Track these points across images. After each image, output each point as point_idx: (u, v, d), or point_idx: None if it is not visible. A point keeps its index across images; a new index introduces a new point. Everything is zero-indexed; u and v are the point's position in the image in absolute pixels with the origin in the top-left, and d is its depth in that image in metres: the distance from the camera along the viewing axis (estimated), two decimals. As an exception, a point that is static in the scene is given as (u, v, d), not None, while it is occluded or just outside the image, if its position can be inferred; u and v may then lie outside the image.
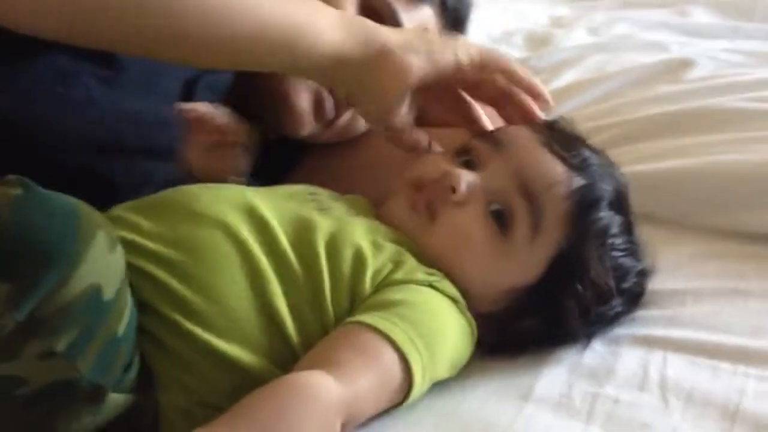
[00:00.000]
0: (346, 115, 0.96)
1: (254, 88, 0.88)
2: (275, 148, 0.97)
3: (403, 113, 0.77)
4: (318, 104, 0.92)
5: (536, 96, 0.81)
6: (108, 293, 0.56)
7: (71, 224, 0.55)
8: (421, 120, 1.04)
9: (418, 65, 0.74)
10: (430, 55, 0.74)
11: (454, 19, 1.00)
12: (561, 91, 1.23)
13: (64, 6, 0.61)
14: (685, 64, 1.22)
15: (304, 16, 0.69)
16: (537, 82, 0.81)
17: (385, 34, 0.74)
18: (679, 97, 1.12)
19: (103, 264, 0.56)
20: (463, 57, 0.76)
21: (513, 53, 1.41)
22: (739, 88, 1.09)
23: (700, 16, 1.56)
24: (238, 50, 0.68)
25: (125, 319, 0.58)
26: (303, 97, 0.91)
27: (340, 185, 0.81)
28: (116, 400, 0.59)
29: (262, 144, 0.93)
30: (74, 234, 0.55)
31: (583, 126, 1.07)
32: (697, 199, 0.95)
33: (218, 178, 0.81)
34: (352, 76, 0.73)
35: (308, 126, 0.93)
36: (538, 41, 1.45)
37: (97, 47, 0.66)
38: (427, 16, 0.96)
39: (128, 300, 0.59)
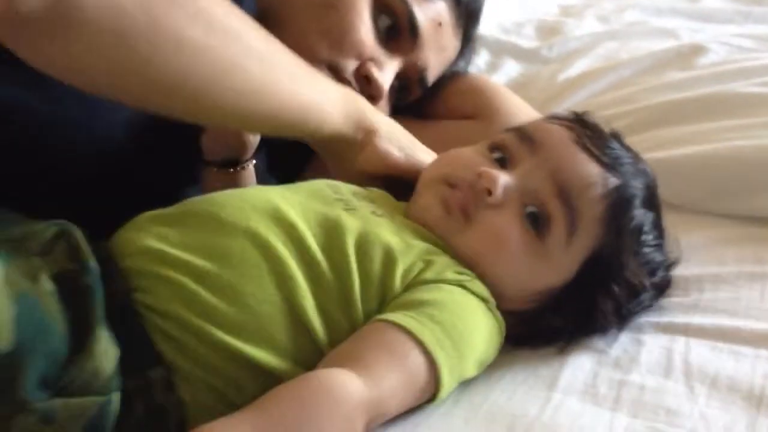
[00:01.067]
0: None
1: None
2: (290, 143, 0.98)
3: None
4: None
5: None
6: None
7: None
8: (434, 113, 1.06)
9: (393, 156, 0.81)
10: (408, 152, 0.81)
11: (467, 12, 1.01)
12: (573, 80, 1.24)
13: (141, 86, 0.63)
14: (697, 50, 1.22)
15: (316, 99, 0.75)
16: None
17: (376, 120, 0.81)
18: (691, 83, 1.12)
19: None
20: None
21: (524, 43, 1.41)
22: (752, 73, 1.09)
23: (710, 1, 1.55)
24: (252, 123, 0.74)
25: (8, 332, 0.55)
26: None
27: (354, 182, 0.82)
28: (68, 404, 0.58)
29: (277, 139, 0.94)
30: None
31: (597, 115, 1.09)
32: (713, 185, 0.96)
33: (230, 156, 0.82)
34: (339, 149, 0.80)
35: None
36: (548, 31, 1.45)
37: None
38: (440, 9, 0.97)
39: (3, 311, 0.56)
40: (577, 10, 1.53)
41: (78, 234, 0.65)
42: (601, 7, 1.53)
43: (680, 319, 0.77)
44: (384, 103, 0.98)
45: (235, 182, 0.82)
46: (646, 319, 0.77)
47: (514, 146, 0.76)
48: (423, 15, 0.94)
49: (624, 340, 0.74)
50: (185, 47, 0.61)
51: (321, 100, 0.75)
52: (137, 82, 0.62)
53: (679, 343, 0.73)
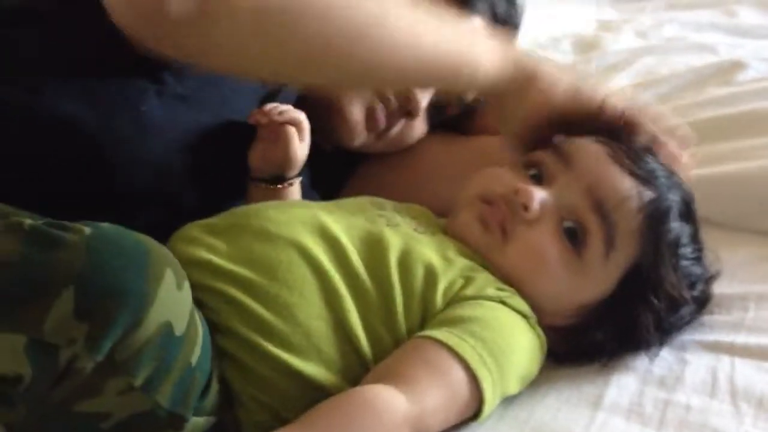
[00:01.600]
0: (398, 126, 0.98)
1: (311, 100, 0.91)
2: (332, 159, 0.99)
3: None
4: (370, 115, 0.94)
5: (681, 140, 0.83)
6: (179, 329, 0.59)
7: (141, 264, 0.57)
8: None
9: (560, 95, 0.78)
10: (576, 89, 0.79)
11: (504, 27, 1.01)
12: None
13: (293, 61, 0.64)
14: (737, 66, 1.22)
15: (466, 48, 0.73)
16: (679, 126, 0.84)
17: (536, 63, 0.79)
18: (732, 100, 1.12)
19: (172, 301, 0.58)
20: (610, 101, 0.79)
21: (561, 58, 1.42)
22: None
23: (748, 16, 1.55)
24: (405, 78, 0.73)
25: (197, 350, 0.61)
26: (356, 108, 0.94)
27: (397, 195, 0.83)
28: (197, 423, 0.62)
29: (319, 155, 0.95)
30: (145, 274, 0.57)
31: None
32: (756, 202, 0.95)
33: (277, 173, 0.83)
34: (500, 96, 0.79)
35: (361, 136, 0.96)
36: (586, 45, 1.45)
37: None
38: (477, 25, 0.97)
39: (199, 330, 0.61)
40: (615, 25, 1.54)
41: None
42: (639, 22, 1.53)
43: (725, 337, 0.76)
44: (421, 119, 0.99)
45: (280, 198, 0.83)
46: (690, 337, 0.77)
47: (549, 163, 0.77)
48: None
49: (668, 358, 0.74)
50: (330, 15, 0.62)
51: (471, 44, 0.74)
52: (288, 58, 0.63)
53: (724, 362, 0.73)
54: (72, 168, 0.71)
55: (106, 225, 0.60)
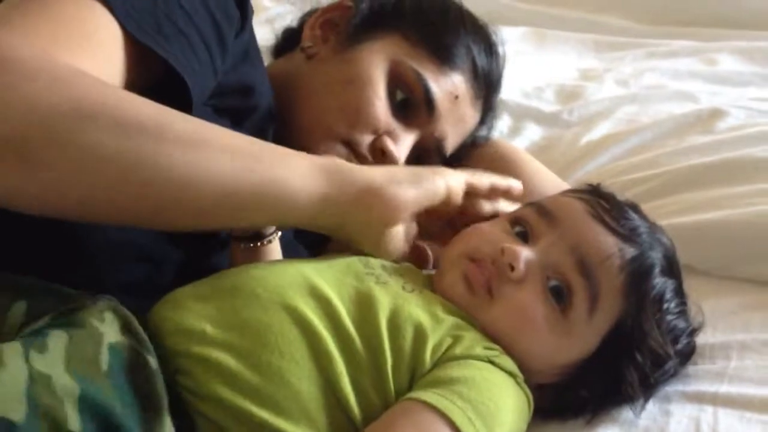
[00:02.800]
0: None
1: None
2: None
3: (401, 241, 0.77)
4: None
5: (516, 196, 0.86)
6: (16, 415, 0.55)
7: None
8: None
9: (408, 198, 0.75)
10: (419, 185, 0.76)
11: (486, 84, 1.02)
12: (595, 144, 1.25)
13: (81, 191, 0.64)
14: (717, 114, 1.24)
15: (277, 175, 0.69)
16: (514, 182, 0.86)
17: (366, 173, 0.75)
18: (715, 147, 1.13)
19: None
20: (453, 185, 0.79)
21: (545, 107, 1.44)
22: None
23: (728, 64, 1.57)
24: (213, 215, 0.68)
25: (75, 413, 0.57)
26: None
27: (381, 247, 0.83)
28: None
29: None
30: None
31: (618, 179, 1.10)
32: (737, 250, 0.97)
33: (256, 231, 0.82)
34: (338, 221, 0.74)
35: None
36: (568, 95, 1.46)
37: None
38: (457, 82, 0.98)
39: (68, 393, 0.58)
40: (597, 74, 1.56)
41: (124, 308, 0.66)
42: (619, 71, 1.55)
43: (707, 387, 0.78)
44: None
45: (261, 256, 0.82)
46: (674, 388, 0.78)
47: (534, 221, 0.78)
48: (439, 89, 0.95)
49: (652, 410, 0.75)
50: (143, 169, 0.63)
51: (284, 169, 0.70)
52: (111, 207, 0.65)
53: (708, 413, 0.74)
54: (48, 224, 0.71)
55: None
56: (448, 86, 0.96)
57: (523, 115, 1.40)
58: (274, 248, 0.83)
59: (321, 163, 0.73)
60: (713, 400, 0.76)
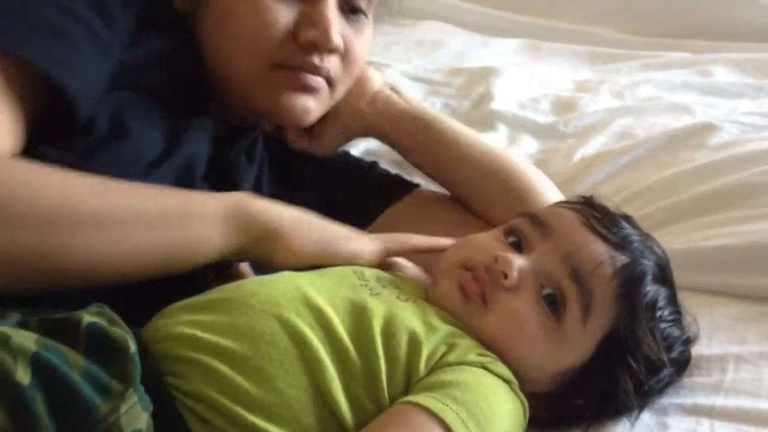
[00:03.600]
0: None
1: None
2: None
3: None
4: None
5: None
6: None
7: None
8: None
9: (306, 251, 0.77)
10: (322, 245, 0.78)
11: None
12: (589, 161, 1.25)
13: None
14: (710, 129, 1.24)
15: (183, 239, 0.72)
16: (438, 242, 0.84)
17: (275, 216, 0.76)
18: (708, 171, 1.13)
19: None
20: (363, 254, 0.80)
21: (540, 119, 1.44)
22: (764, 156, 1.11)
23: (722, 76, 1.59)
24: (126, 280, 0.71)
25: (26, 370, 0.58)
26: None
27: None
28: None
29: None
30: None
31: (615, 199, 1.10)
32: (733, 271, 0.97)
33: None
34: (246, 255, 0.77)
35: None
36: (564, 106, 1.47)
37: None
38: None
39: (22, 351, 0.59)
40: (592, 86, 1.56)
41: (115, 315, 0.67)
42: (615, 83, 1.56)
43: (704, 400, 0.78)
44: (361, 39, 0.91)
45: (234, 278, 0.82)
46: (670, 400, 0.78)
47: (527, 231, 0.78)
48: None
49: (649, 422, 0.75)
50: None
51: (190, 226, 0.73)
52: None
53: (704, 425, 0.74)
54: None
55: None
56: None
57: (518, 126, 1.41)
58: (245, 269, 0.83)
59: (226, 212, 0.74)
60: (710, 413, 0.76)
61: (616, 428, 0.74)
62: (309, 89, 0.88)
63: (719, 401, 0.77)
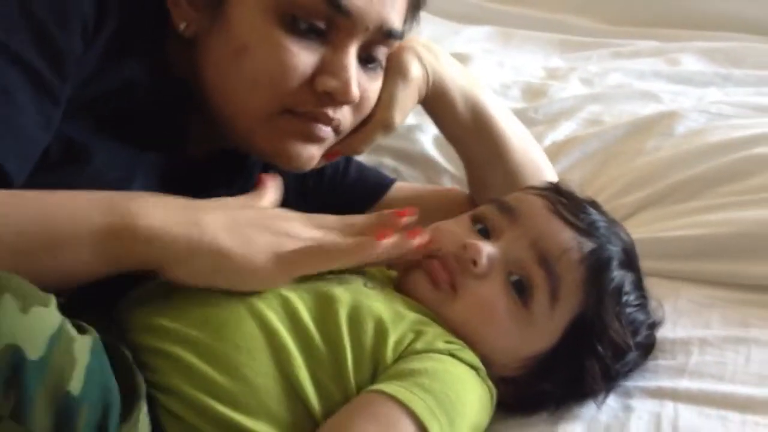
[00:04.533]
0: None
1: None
2: None
3: None
4: None
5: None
6: (33, 352, 0.56)
7: None
8: None
9: (196, 283, 0.69)
10: (219, 278, 0.69)
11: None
12: (558, 146, 1.26)
13: None
14: (676, 116, 1.25)
15: (54, 263, 0.66)
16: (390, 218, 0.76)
17: (166, 242, 0.67)
18: (673, 161, 1.14)
19: (16, 325, 0.56)
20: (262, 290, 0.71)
21: (511, 105, 1.45)
22: (728, 146, 1.12)
23: (690, 64, 1.60)
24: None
25: (76, 379, 0.57)
26: None
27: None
28: None
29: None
30: None
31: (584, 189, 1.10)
32: (697, 257, 0.98)
33: None
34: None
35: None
36: (534, 93, 1.48)
37: None
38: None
39: (77, 358, 0.58)
40: (562, 73, 1.57)
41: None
42: (585, 70, 1.57)
43: (668, 383, 0.79)
44: (374, 89, 0.85)
45: None
46: (635, 384, 0.79)
47: (494, 217, 0.79)
48: None
49: (614, 405, 0.76)
50: None
51: (57, 257, 0.66)
52: None
53: (668, 408, 0.75)
54: None
55: None
56: None
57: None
58: None
59: (104, 236, 0.66)
60: (674, 396, 0.77)
61: (582, 411, 0.75)
62: (317, 139, 0.82)
63: (683, 384, 0.79)
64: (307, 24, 0.77)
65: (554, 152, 1.22)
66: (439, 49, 0.97)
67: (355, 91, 0.79)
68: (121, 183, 0.78)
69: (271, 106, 0.79)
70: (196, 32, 0.81)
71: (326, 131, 0.82)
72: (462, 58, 1.60)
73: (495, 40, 1.83)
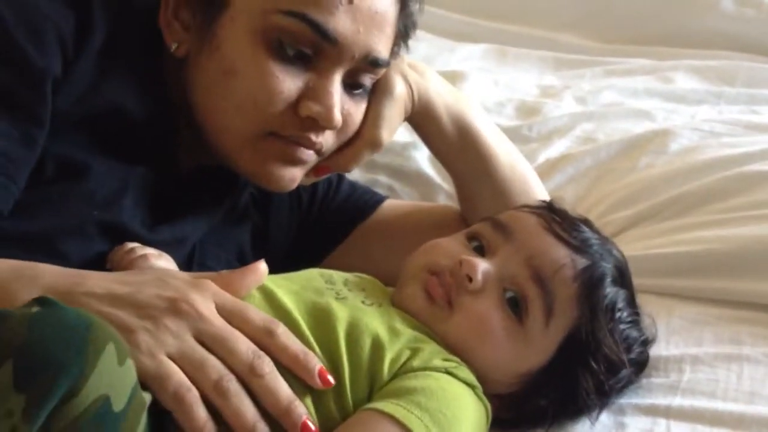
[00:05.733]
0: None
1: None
2: None
3: None
4: None
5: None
6: (117, 404, 0.57)
7: (82, 336, 0.56)
8: None
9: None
10: (118, 306, 0.67)
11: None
12: (551, 164, 1.27)
13: None
14: (669, 134, 1.26)
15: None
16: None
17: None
18: (667, 178, 1.15)
19: (112, 375, 0.57)
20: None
21: (505, 122, 1.45)
22: (720, 164, 1.13)
23: (683, 82, 1.61)
24: None
25: (139, 429, 0.59)
26: None
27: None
28: None
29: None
30: (85, 347, 0.56)
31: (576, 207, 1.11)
32: (690, 274, 0.99)
33: None
34: None
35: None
36: (528, 110, 1.49)
37: None
38: None
39: (141, 410, 0.60)
40: (556, 91, 1.58)
41: None
42: (578, 88, 1.58)
43: (661, 401, 0.79)
44: (359, 113, 0.87)
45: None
46: (628, 400, 0.79)
47: (489, 235, 0.80)
48: (325, 11, 0.78)
49: (607, 422, 0.76)
50: None
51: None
52: None
53: (661, 425, 0.76)
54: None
55: (52, 301, 0.59)
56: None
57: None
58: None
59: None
60: (666, 413, 0.77)
61: (575, 428, 0.76)
62: (299, 162, 0.84)
63: (676, 401, 0.79)
64: (294, 50, 0.80)
65: (548, 169, 1.23)
66: (424, 67, 0.99)
67: (337, 117, 0.82)
68: (113, 198, 0.80)
69: (256, 128, 0.82)
70: (187, 52, 0.83)
71: (308, 154, 0.85)
72: (457, 76, 1.61)
73: (490, 58, 1.84)
